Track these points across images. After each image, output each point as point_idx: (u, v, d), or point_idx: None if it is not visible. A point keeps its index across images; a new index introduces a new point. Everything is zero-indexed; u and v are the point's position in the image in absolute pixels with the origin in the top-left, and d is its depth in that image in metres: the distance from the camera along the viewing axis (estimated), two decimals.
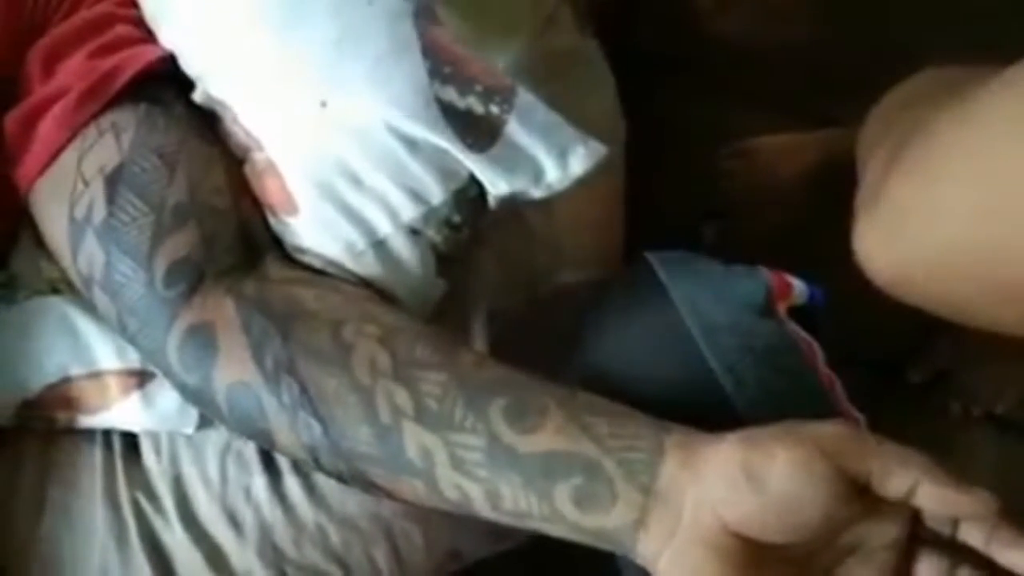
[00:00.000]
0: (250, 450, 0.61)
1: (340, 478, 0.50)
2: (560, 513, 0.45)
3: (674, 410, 0.46)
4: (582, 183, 0.55)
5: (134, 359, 0.59)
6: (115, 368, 0.60)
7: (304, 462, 0.51)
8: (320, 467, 0.50)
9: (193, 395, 0.53)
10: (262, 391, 0.50)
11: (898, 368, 0.80)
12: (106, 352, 0.60)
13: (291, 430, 0.49)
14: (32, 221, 0.60)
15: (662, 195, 0.76)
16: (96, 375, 0.60)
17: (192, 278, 0.52)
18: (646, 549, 0.44)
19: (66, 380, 0.60)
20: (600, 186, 0.68)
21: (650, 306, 0.49)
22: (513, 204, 0.56)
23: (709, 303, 0.48)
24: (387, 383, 0.48)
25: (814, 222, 0.71)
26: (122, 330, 0.54)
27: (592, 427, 0.45)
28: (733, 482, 0.42)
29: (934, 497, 0.41)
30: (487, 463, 0.46)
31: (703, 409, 0.46)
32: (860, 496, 0.42)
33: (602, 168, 0.56)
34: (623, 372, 0.49)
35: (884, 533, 0.43)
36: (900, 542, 0.43)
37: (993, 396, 0.77)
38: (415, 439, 0.47)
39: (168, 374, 0.53)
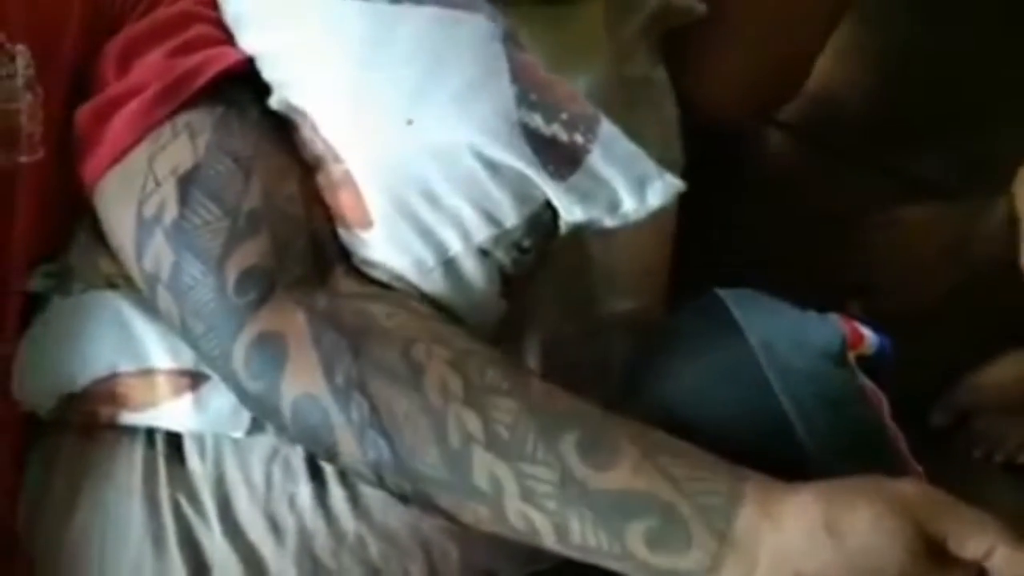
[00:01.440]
0: (297, 458, 0.61)
1: (402, 497, 0.50)
2: (631, 552, 0.45)
3: (743, 450, 0.46)
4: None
5: (188, 359, 0.59)
6: (167, 368, 0.59)
7: (365, 478, 0.51)
8: (383, 485, 0.50)
9: (255, 402, 0.53)
10: (331, 406, 0.50)
11: (920, 412, 0.82)
12: (159, 351, 0.60)
13: (358, 447, 0.49)
14: (92, 215, 0.60)
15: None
16: (146, 373, 0.60)
17: (263, 287, 0.52)
18: None
19: (114, 376, 0.60)
20: (659, 218, 0.69)
21: (724, 344, 0.50)
22: (581, 231, 0.57)
23: (785, 347, 0.49)
24: (458, 407, 0.48)
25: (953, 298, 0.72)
26: (184, 332, 0.54)
27: (667, 468, 0.46)
28: (813, 534, 0.43)
29: (1010, 561, 0.43)
30: (557, 496, 0.46)
31: (772, 452, 0.46)
32: (933, 554, 0.43)
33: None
34: (691, 408, 0.49)
35: None
36: None
37: (1015, 445, 0.79)
38: (484, 466, 0.47)
39: (229, 379, 0.53)
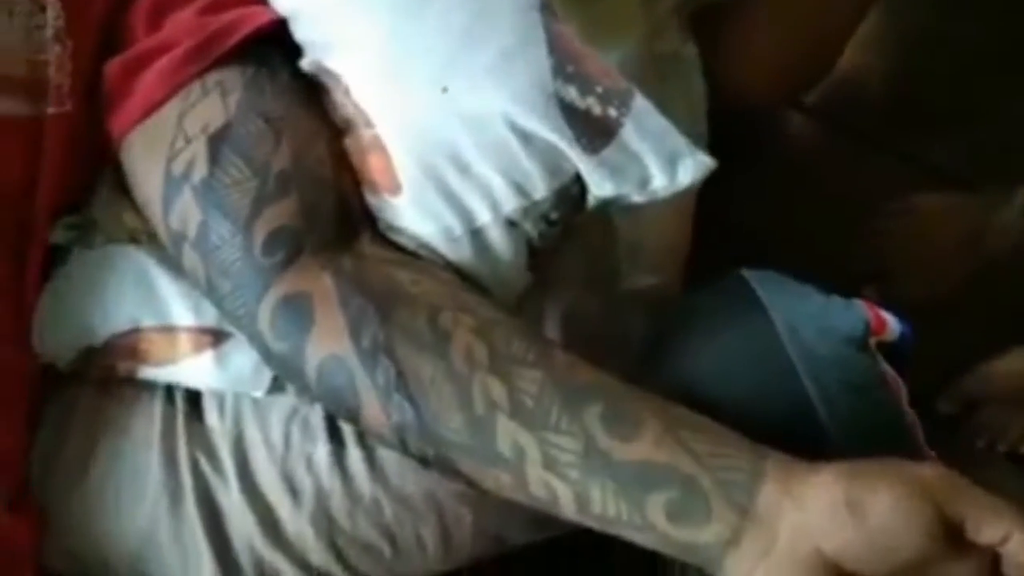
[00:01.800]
0: (316, 418, 0.61)
1: (424, 461, 0.51)
2: (651, 523, 0.46)
3: (763, 430, 0.47)
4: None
5: (210, 317, 0.59)
6: (189, 325, 0.60)
7: (387, 442, 0.52)
8: (405, 449, 0.51)
9: (279, 362, 0.53)
10: (356, 368, 0.50)
11: (927, 400, 0.82)
12: (181, 308, 0.60)
13: (382, 410, 0.50)
14: (116, 168, 0.60)
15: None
16: (167, 329, 0.60)
17: (291, 248, 0.52)
18: (735, 567, 0.45)
19: (135, 331, 0.60)
20: (684, 196, 0.69)
21: (748, 324, 0.50)
22: (607, 206, 0.57)
23: (811, 331, 0.49)
24: (484, 375, 0.48)
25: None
26: (209, 290, 0.54)
27: (689, 442, 0.46)
28: (834, 512, 0.44)
29: None
30: (580, 466, 0.47)
31: (792, 434, 0.47)
32: (950, 537, 0.44)
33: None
34: (713, 386, 0.49)
35: (966, 572, 0.45)
36: None
37: (1018, 435, 0.80)
38: (508, 434, 0.48)
39: (254, 339, 0.53)
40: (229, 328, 0.59)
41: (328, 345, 0.51)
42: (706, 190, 0.74)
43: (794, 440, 0.46)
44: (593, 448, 0.47)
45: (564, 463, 0.47)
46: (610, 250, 0.63)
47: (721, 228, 0.76)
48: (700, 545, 0.46)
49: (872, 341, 0.50)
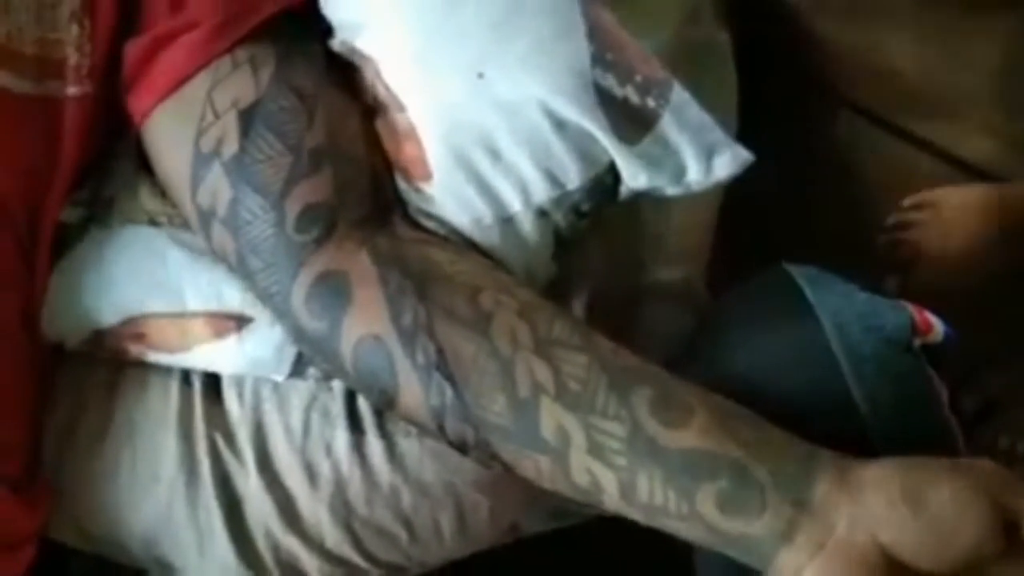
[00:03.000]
0: (336, 406, 0.60)
1: (461, 446, 0.50)
2: (699, 514, 0.45)
3: (805, 427, 0.46)
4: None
5: (233, 302, 0.58)
6: (209, 310, 0.59)
7: (424, 426, 0.51)
8: (443, 433, 0.50)
9: (313, 342, 0.52)
10: (396, 348, 0.49)
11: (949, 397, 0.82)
12: (198, 293, 0.59)
13: (421, 391, 0.49)
14: (135, 149, 0.59)
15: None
16: (178, 316, 0.59)
17: (325, 225, 0.51)
18: (788, 561, 0.44)
19: (145, 316, 0.59)
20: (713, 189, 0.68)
21: (795, 322, 0.49)
22: (637, 198, 0.56)
23: (857, 331, 0.48)
24: (528, 356, 0.47)
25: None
26: (240, 268, 0.53)
27: (741, 432, 0.45)
28: (893, 504, 0.43)
29: None
30: (627, 452, 0.46)
31: (835, 433, 0.46)
32: (1005, 534, 0.44)
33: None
34: (756, 381, 0.48)
35: (1012, 571, 0.44)
36: None
37: None
38: (553, 418, 0.46)
39: (287, 317, 0.52)
40: (251, 312, 0.58)
41: (366, 324, 0.50)
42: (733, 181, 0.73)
43: (835, 439, 0.46)
44: (641, 434, 0.46)
45: (610, 449, 0.46)
46: (635, 242, 0.63)
47: (741, 219, 0.75)
48: (751, 538, 0.45)
49: (917, 341, 0.50)
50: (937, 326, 0.50)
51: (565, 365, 0.47)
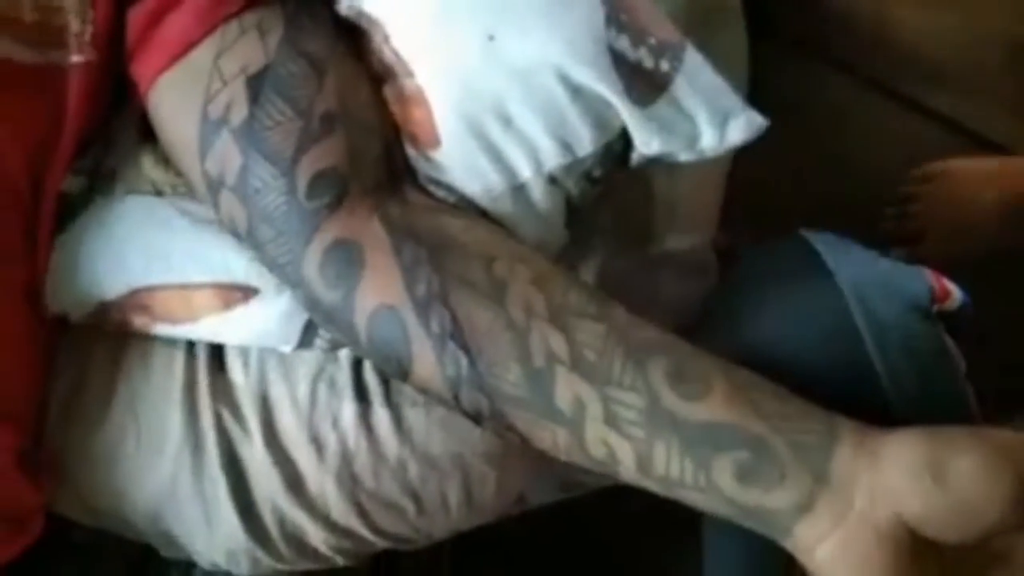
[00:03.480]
0: (343, 377, 0.60)
1: (477, 418, 0.49)
2: (716, 485, 0.45)
3: (824, 395, 0.45)
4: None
5: (239, 272, 0.57)
6: (214, 281, 0.58)
7: (439, 396, 0.50)
8: (457, 402, 0.49)
9: (326, 312, 0.51)
10: (410, 318, 0.48)
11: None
12: (205, 264, 0.58)
13: (436, 361, 0.48)
14: (138, 116, 0.58)
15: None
16: (182, 287, 0.58)
17: (337, 190, 0.50)
18: (806, 533, 0.44)
19: (150, 288, 0.59)
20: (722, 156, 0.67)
21: (815, 288, 0.48)
22: (648, 165, 0.55)
23: (877, 298, 0.47)
24: (543, 325, 0.46)
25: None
26: (250, 237, 0.52)
27: (759, 403, 0.45)
28: (916, 474, 0.42)
29: None
30: (644, 423, 0.45)
31: (854, 401, 0.45)
32: None
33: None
34: (775, 348, 0.48)
35: None
36: None
37: None
38: (569, 387, 0.46)
39: (299, 286, 0.52)
40: (257, 283, 0.57)
41: (380, 294, 0.49)
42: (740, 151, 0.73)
43: (855, 408, 0.45)
44: (658, 405, 0.45)
45: (627, 420, 0.45)
46: (645, 210, 0.62)
47: (750, 190, 0.74)
48: (769, 510, 0.44)
49: (935, 308, 0.49)
50: (955, 293, 0.50)
51: (580, 334, 0.46)
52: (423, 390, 0.51)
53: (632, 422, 0.45)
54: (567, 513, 0.80)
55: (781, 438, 0.44)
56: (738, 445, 0.44)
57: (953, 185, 0.80)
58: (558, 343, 0.46)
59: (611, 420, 0.46)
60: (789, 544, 0.45)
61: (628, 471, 0.47)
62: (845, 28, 0.79)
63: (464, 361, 0.47)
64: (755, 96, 0.68)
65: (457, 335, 0.48)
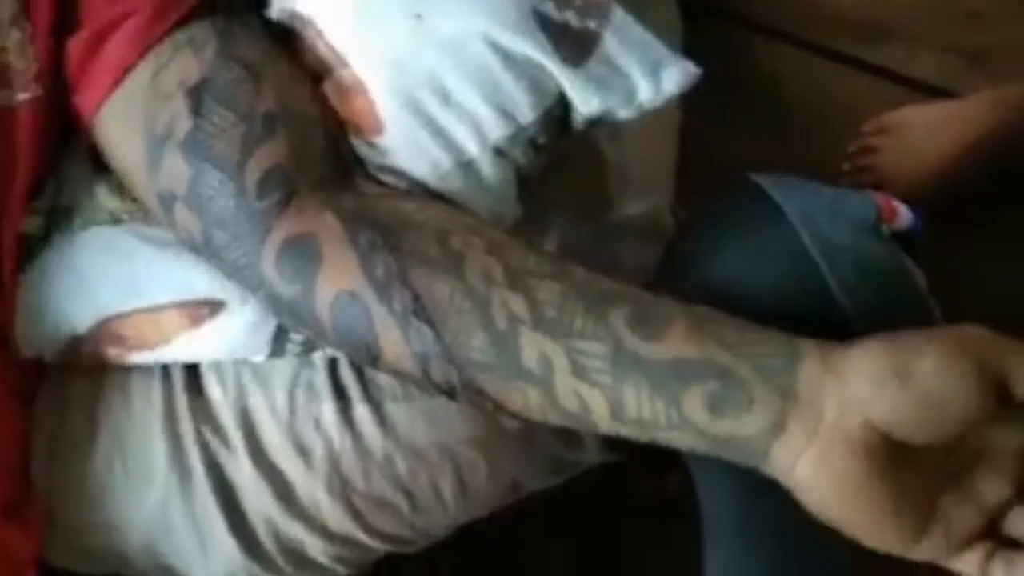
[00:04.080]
0: (320, 379, 0.60)
1: (450, 391, 0.50)
2: (689, 419, 0.45)
3: (788, 325, 0.45)
4: (653, 114, 0.55)
5: (202, 288, 0.58)
6: (182, 299, 0.58)
7: (410, 376, 0.50)
8: (429, 379, 0.50)
9: (289, 308, 0.52)
10: (371, 300, 0.49)
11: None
12: (168, 285, 0.58)
13: (402, 339, 0.49)
14: (87, 150, 0.58)
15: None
16: (152, 311, 0.59)
17: (286, 187, 0.51)
18: (782, 454, 0.44)
19: (119, 316, 0.59)
20: (665, 118, 0.68)
21: (763, 222, 0.49)
22: (595, 127, 0.56)
23: (824, 221, 0.48)
24: (502, 291, 0.47)
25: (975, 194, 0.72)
26: (207, 246, 0.53)
27: (721, 335, 0.45)
28: (880, 379, 0.43)
29: None
30: (611, 370, 0.45)
31: (821, 327, 0.45)
32: (999, 399, 0.43)
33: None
34: (734, 285, 0.48)
35: (1010, 437, 0.44)
36: (1023, 448, 0.44)
37: None
38: (533, 346, 0.46)
39: (260, 288, 0.52)
40: (222, 296, 0.58)
41: (339, 281, 0.49)
42: (691, 125, 0.74)
43: (820, 333, 0.45)
44: (622, 350, 0.45)
45: (594, 369, 0.46)
46: (599, 178, 0.63)
47: (710, 163, 0.75)
48: (743, 437, 0.44)
49: (886, 228, 0.50)
50: (902, 212, 0.51)
51: (540, 294, 0.47)
52: (395, 372, 0.51)
53: (599, 370, 0.46)
54: (569, 520, 0.80)
55: (746, 363, 0.44)
56: (705, 376, 0.44)
57: (908, 133, 0.81)
58: (518, 305, 0.47)
59: (579, 371, 0.46)
60: (768, 468, 0.45)
61: (602, 420, 0.47)
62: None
63: (430, 335, 0.48)
64: (711, 75, 0.69)
65: (420, 311, 0.48)
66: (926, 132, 0.81)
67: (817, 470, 0.43)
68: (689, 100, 0.73)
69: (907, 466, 0.44)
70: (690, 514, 0.54)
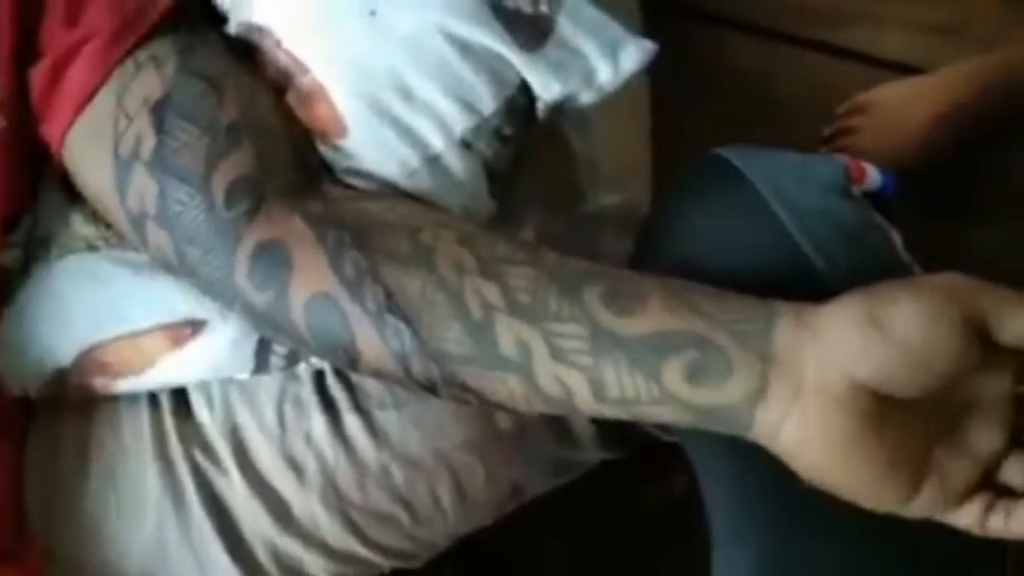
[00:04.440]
0: (307, 392, 0.59)
1: (431, 387, 0.49)
2: (670, 392, 0.44)
3: (769, 289, 0.45)
4: (618, 105, 0.55)
5: (182, 308, 0.57)
6: (160, 323, 0.58)
7: (391, 375, 0.50)
8: (410, 376, 0.49)
9: (264, 317, 0.51)
10: (344, 301, 0.48)
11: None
12: (148, 308, 0.58)
13: (379, 337, 0.48)
14: (58, 179, 0.59)
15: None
16: (132, 336, 0.58)
17: (253, 196, 0.51)
18: (766, 419, 0.43)
19: (102, 344, 0.59)
20: (632, 103, 0.68)
21: (732, 193, 0.49)
22: (559, 115, 0.56)
23: (792, 186, 0.48)
24: (475, 279, 0.47)
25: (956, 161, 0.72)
26: (181, 263, 0.53)
27: (696, 304, 0.45)
28: (859, 333, 0.42)
29: None
30: (589, 350, 0.45)
31: (797, 289, 0.45)
32: (980, 344, 0.42)
33: (632, 84, 0.56)
34: (708, 256, 0.48)
35: (997, 385, 0.43)
36: (1012, 395, 0.43)
37: None
38: (510, 332, 0.46)
39: (235, 299, 0.52)
40: (202, 315, 0.57)
41: (311, 284, 0.49)
42: (665, 124, 0.74)
43: (800, 296, 0.45)
44: (599, 329, 0.45)
45: (572, 350, 0.45)
46: (569, 170, 0.63)
47: (687, 159, 0.75)
48: (725, 405, 0.44)
49: (855, 190, 0.49)
50: (871, 172, 0.50)
51: (512, 280, 0.47)
52: (376, 373, 0.51)
53: (577, 351, 0.45)
54: (575, 527, 0.79)
55: (722, 331, 0.44)
56: (682, 347, 0.44)
57: (884, 110, 0.81)
58: (492, 293, 0.46)
59: (557, 355, 0.46)
60: (754, 436, 0.44)
61: (585, 402, 0.46)
62: None
63: (406, 332, 0.48)
64: (668, 72, 0.70)
65: (393, 307, 0.48)
66: (902, 105, 0.81)
67: (804, 432, 0.43)
68: (660, 99, 0.73)
69: (897, 422, 0.43)
70: (696, 517, 0.53)
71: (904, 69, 0.86)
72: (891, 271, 0.48)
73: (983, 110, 0.78)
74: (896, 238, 0.50)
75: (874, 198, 0.52)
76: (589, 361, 0.45)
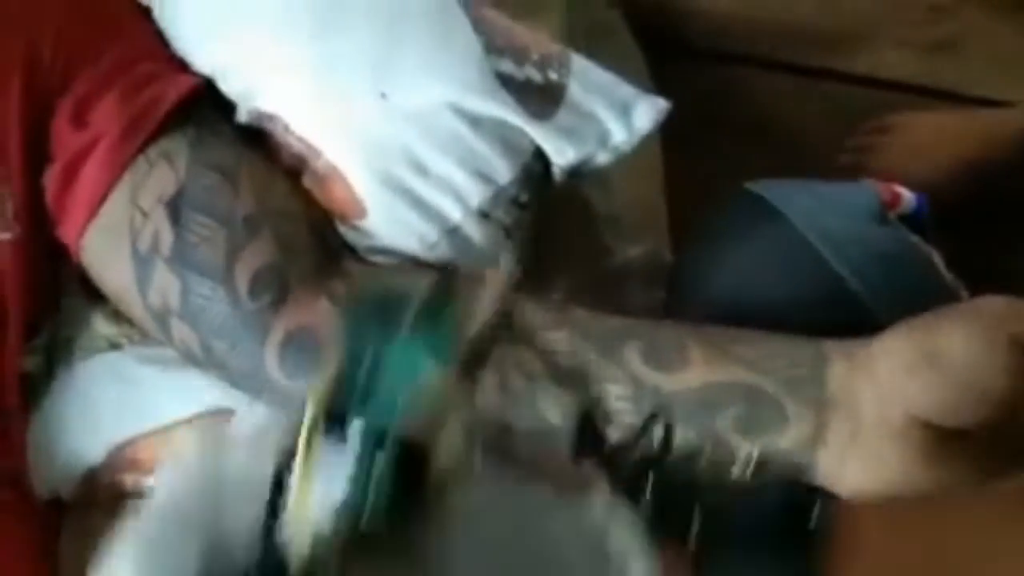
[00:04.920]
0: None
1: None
2: (727, 446, 0.44)
3: (812, 323, 0.45)
4: (633, 156, 0.55)
5: (211, 400, 0.56)
6: (191, 415, 0.57)
7: None
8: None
9: (298, 405, 0.51)
10: None
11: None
12: (177, 402, 0.57)
13: None
14: (77, 280, 0.58)
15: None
16: (163, 431, 0.58)
17: (278, 286, 0.51)
18: (827, 462, 0.43)
19: (131, 442, 0.58)
20: (646, 154, 0.68)
21: (767, 228, 0.48)
22: (576, 177, 0.56)
23: (827, 216, 0.47)
24: (511, 350, 0.46)
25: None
26: (208, 357, 0.52)
27: (740, 354, 0.44)
28: (913, 367, 0.41)
29: None
30: (634, 410, 0.44)
31: (844, 320, 0.45)
32: None
33: (645, 141, 0.55)
34: (748, 294, 0.48)
35: None
36: None
37: None
38: (554, 401, 0.45)
39: (268, 390, 0.51)
40: (231, 403, 0.57)
41: None
42: (676, 162, 0.73)
43: (844, 324, 0.45)
44: (641, 388, 0.45)
45: (619, 411, 0.45)
46: (592, 229, 0.63)
47: (703, 198, 0.75)
48: (784, 451, 0.43)
49: (891, 215, 0.49)
50: (905, 195, 0.50)
51: (550, 346, 0.46)
52: None
53: (623, 412, 0.45)
54: None
55: (771, 379, 0.43)
56: (732, 400, 0.43)
57: (909, 137, 0.81)
58: (532, 362, 0.46)
59: (602, 417, 0.45)
60: (820, 479, 0.43)
61: None
62: (745, 25, 0.81)
63: None
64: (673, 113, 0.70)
65: None
66: (926, 139, 0.80)
67: (865, 472, 0.42)
68: (668, 141, 0.73)
69: (960, 452, 0.42)
70: None
71: (908, 88, 0.86)
72: (937, 293, 0.48)
73: (1007, 160, 0.77)
74: (938, 259, 0.50)
75: (909, 221, 0.51)
76: (635, 420, 0.45)
